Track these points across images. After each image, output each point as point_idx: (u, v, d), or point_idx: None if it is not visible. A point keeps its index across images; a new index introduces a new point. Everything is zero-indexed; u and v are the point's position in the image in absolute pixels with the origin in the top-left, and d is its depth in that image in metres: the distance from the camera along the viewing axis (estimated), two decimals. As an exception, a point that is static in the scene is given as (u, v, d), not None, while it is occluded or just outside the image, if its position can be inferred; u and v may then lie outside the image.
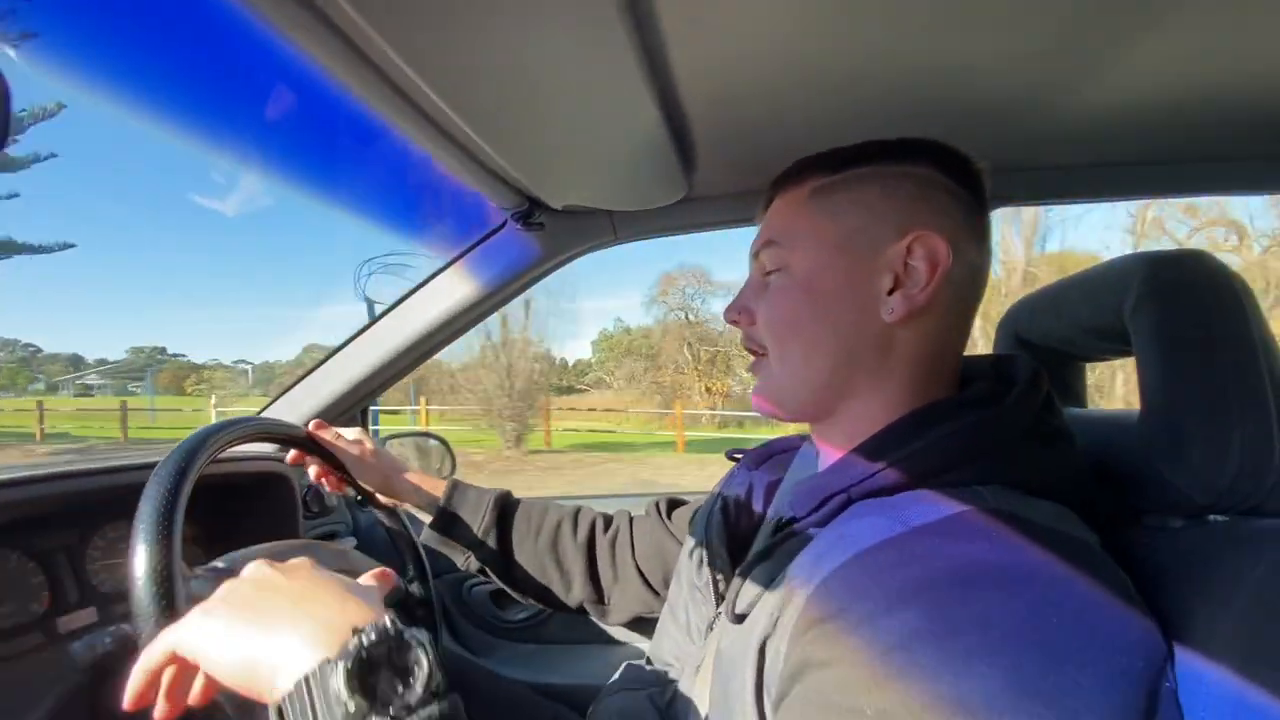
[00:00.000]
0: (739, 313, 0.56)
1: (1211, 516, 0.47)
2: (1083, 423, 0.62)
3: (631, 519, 0.84)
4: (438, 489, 0.82)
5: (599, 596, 0.82)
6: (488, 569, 0.81)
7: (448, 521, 0.80)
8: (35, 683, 0.67)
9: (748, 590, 0.49)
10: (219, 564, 0.65)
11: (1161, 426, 0.49)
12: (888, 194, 0.50)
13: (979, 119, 0.72)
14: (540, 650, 1.14)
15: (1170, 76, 0.63)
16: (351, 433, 0.83)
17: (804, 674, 0.38)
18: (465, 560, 0.82)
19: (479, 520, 0.80)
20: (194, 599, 0.52)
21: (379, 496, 0.84)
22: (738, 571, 0.50)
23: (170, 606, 0.51)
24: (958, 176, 0.51)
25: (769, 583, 0.47)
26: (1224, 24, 0.54)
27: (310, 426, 0.81)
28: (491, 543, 0.80)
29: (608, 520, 0.85)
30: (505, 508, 0.83)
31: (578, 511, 0.85)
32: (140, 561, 0.51)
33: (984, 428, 0.46)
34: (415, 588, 0.87)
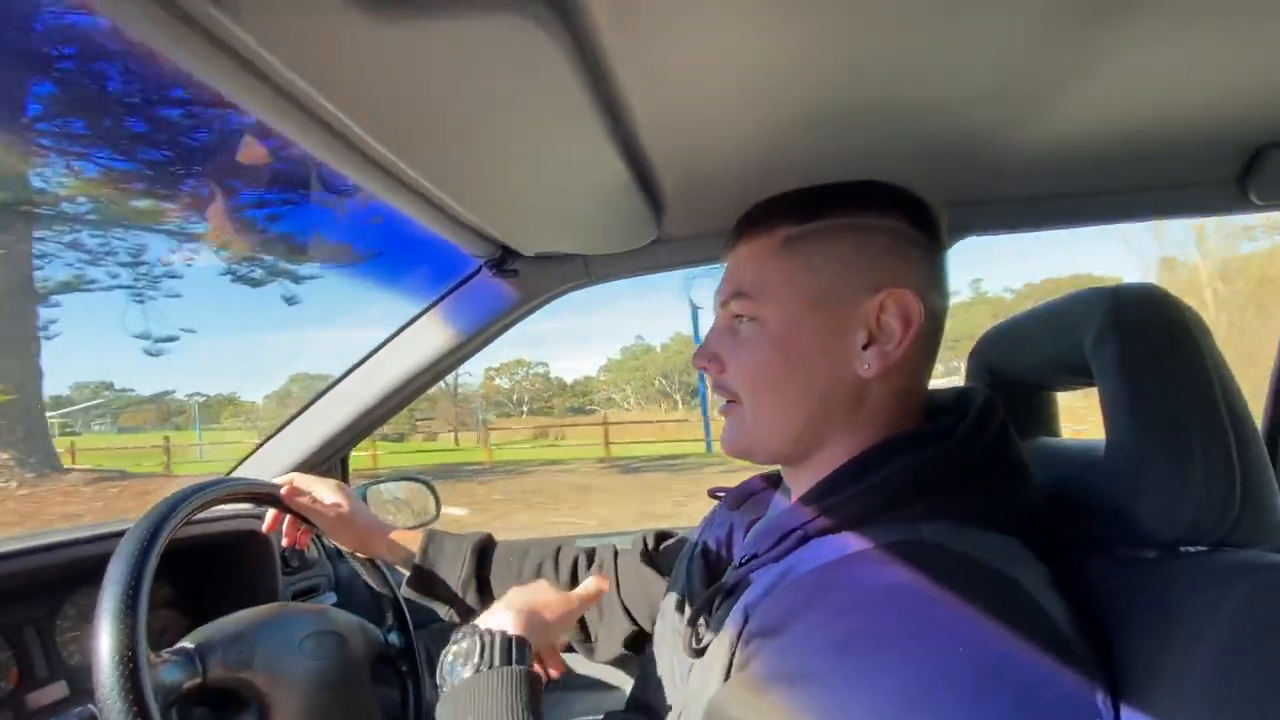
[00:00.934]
0: (709, 360, 0.56)
1: (1183, 549, 0.48)
2: (1054, 452, 0.62)
3: (616, 554, 0.83)
4: (414, 543, 0.81)
5: (585, 635, 0.80)
6: (469, 619, 0.80)
7: (425, 579, 0.79)
8: None
9: (710, 626, 0.50)
10: (187, 644, 0.63)
11: (1124, 460, 0.49)
12: (860, 248, 0.51)
13: (937, 155, 0.74)
14: None
15: (1122, 108, 0.65)
16: (328, 491, 0.82)
17: (744, 671, 0.43)
18: (448, 613, 0.81)
19: (458, 571, 0.79)
20: (158, 684, 0.51)
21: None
22: (697, 607, 0.51)
23: (136, 692, 0.50)
24: (923, 225, 0.52)
25: (727, 615, 0.48)
26: (1173, 56, 0.56)
27: (284, 489, 0.80)
28: (472, 593, 0.79)
29: (590, 556, 0.84)
30: (484, 554, 0.81)
31: (559, 550, 0.83)
32: (105, 648, 0.50)
33: (931, 465, 0.47)
34: (395, 636, 0.85)
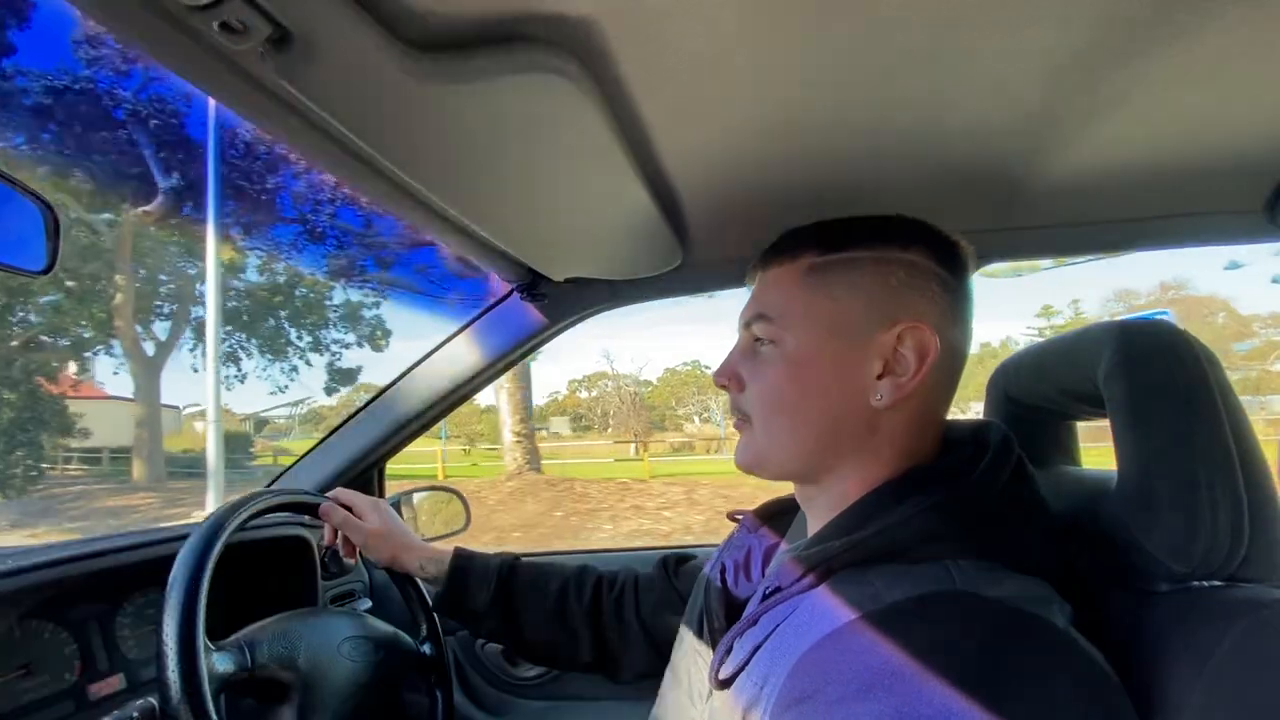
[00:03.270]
0: (729, 378, 0.58)
1: (1195, 583, 0.48)
2: (1072, 482, 0.62)
3: (637, 578, 0.85)
4: (444, 562, 0.83)
5: (607, 658, 0.82)
6: (495, 637, 0.83)
7: (455, 598, 0.82)
8: None
9: (734, 656, 0.50)
10: (239, 637, 0.68)
11: (1135, 494, 0.50)
12: (880, 280, 0.52)
13: (957, 185, 0.75)
14: (552, 707, 1.14)
15: (1149, 137, 0.65)
16: (366, 507, 0.86)
17: None
18: (477, 631, 0.84)
19: (484, 592, 0.81)
20: (211, 672, 0.56)
21: None
22: (724, 640, 0.51)
23: (194, 678, 0.55)
24: (946, 261, 0.53)
25: (754, 650, 0.48)
26: (1203, 86, 0.56)
27: (321, 508, 0.85)
28: (498, 613, 0.81)
29: (611, 580, 0.86)
30: (510, 576, 0.84)
31: (581, 571, 0.85)
32: (169, 639, 0.54)
33: (955, 504, 0.47)
34: (428, 647, 0.89)
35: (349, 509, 0.86)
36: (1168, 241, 0.87)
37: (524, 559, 0.88)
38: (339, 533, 0.86)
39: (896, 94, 0.56)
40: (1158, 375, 0.50)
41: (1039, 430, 0.70)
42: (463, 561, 0.84)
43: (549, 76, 0.45)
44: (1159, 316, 0.59)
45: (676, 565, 0.83)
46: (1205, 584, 0.48)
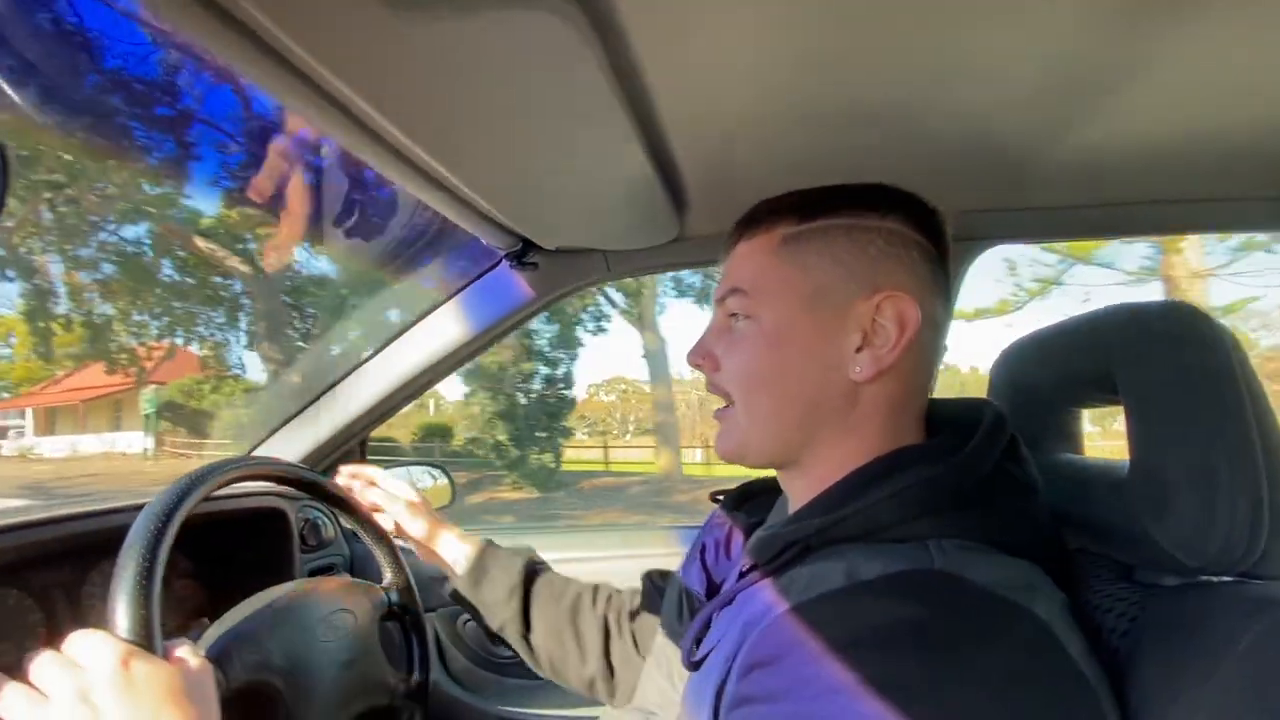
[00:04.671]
0: (703, 357, 0.56)
1: (1204, 577, 0.46)
2: (1074, 471, 0.61)
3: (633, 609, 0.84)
4: (470, 546, 0.83)
5: (609, 672, 0.80)
6: (506, 630, 0.81)
7: (477, 577, 0.81)
8: None
9: (710, 634, 0.49)
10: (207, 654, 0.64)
11: (1148, 485, 0.48)
12: (858, 248, 0.50)
13: (965, 161, 0.72)
14: (529, 686, 1.13)
15: (1155, 120, 0.63)
16: (400, 484, 0.87)
17: (738, 708, 0.40)
18: (490, 622, 0.82)
19: (508, 580, 0.81)
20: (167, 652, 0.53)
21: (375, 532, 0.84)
22: (698, 619, 0.50)
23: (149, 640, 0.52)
24: (925, 230, 0.52)
25: (727, 628, 0.47)
26: (1211, 68, 0.54)
27: (357, 483, 0.86)
28: (516, 604, 0.80)
29: (625, 594, 0.85)
30: (532, 571, 0.83)
31: (596, 588, 0.85)
32: (121, 627, 0.51)
33: (941, 480, 0.45)
34: (395, 596, 0.86)
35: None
36: (1183, 226, 0.84)
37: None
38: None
39: (902, 67, 0.53)
40: (1176, 359, 0.48)
41: (1044, 419, 0.68)
42: (489, 549, 0.84)
43: (543, 16, 0.42)
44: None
45: (662, 577, 0.82)
46: (1215, 579, 0.46)
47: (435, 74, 0.46)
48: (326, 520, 1.07)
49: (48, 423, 18.46)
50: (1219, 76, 0.56)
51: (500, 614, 0.80)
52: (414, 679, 0.84)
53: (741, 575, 0.49)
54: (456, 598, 0.84)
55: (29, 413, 18.05)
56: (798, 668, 0.38)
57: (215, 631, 0.65)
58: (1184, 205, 0.80)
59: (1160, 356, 0.48)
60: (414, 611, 0.86)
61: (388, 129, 0.53)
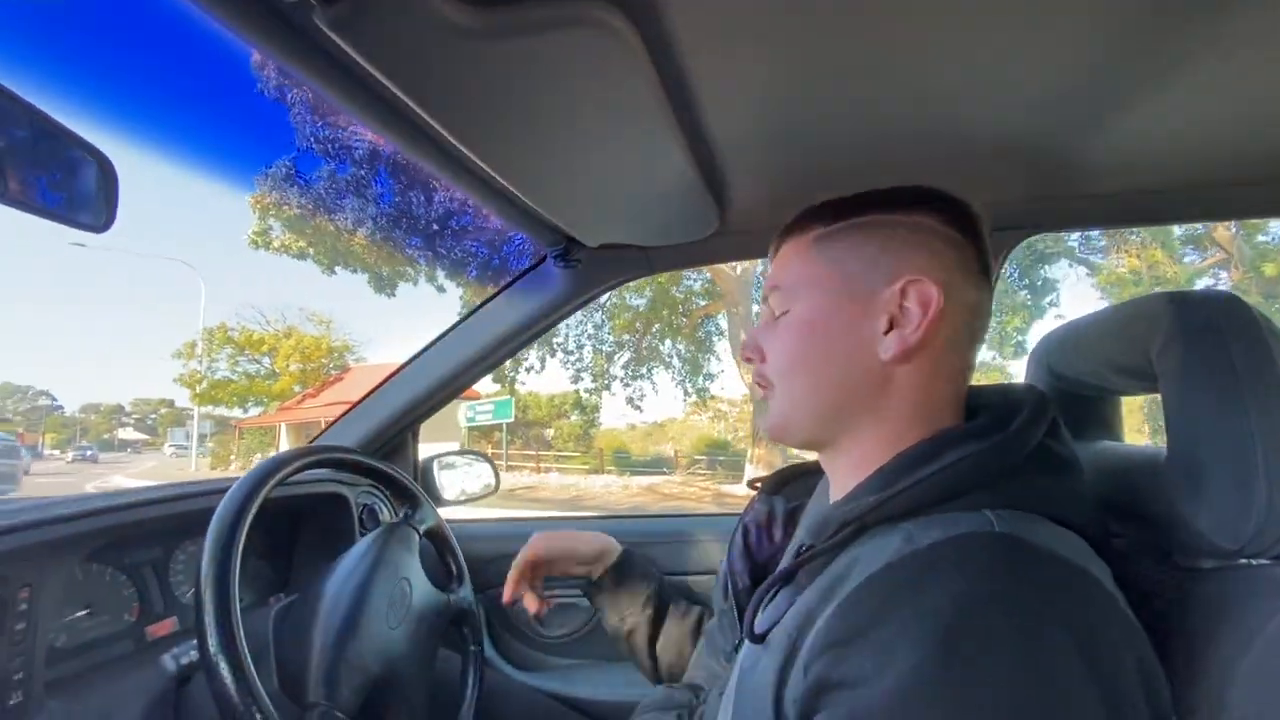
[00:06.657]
0: (752, 350, 0.60)
1: (1242, 560, 0.47)
2: (1113, 457, 0.61)
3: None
4: (614, 548, 0.90)
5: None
6: (635, 633, 0.86)
7: (621, 575, 0.88)
8: (127, 687, 0.74)
9: (769, 612, 0.51)
10: (322, 703, 0.68)
11: (1185, 470, 0.49)
12: (885, 243, 0.53)
13: (1006, 155, 0.72)
14: (577, 665, 1.18)
15: (1195, 110, 0.62)
16: (584, 542, 0.90)
17: (825, 694, 0.40)
18: (619, 620, 0.87)
19: (646, 585, 0.87)
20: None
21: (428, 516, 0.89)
22: (758, 593, 0.53)
23: (228, 626, 0.58)
24: (952, 221, 0.54)
25: (789, 605, 0.49)
26: (1252, 62, 0.54)
27: (530, 555, 0.88)
28: (650, 611, 0.86)
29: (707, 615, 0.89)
30: (663, 582, 0.89)
31: (706, 607, 0.88)
32: (207, 587, 0.57)
33: (989, 454, 0.47)
34: (462, 600, 0.92)
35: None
36: (1225, 213, 0.83)
37: None
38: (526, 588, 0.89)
39: (945, 65, 0.55)
40: (1215, 346, 0.48)
41: (1082, 405, 0.69)
42: (629, 553, 0.90)
43: (599, 32, 0.45)
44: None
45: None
46: (1253, 562, 0.47)
47: (498, 89, 0.50)
48: (384, 505, 1.13)
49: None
50: (1264, 66, 0.56)
51: (632, 618, 0.86)
52: (461, 592, 0.94)
53: (799, 554, 0.52)
54: (590, 590, 0.90)
55: (282, 428, 17.96)
56: (880, 645, 0.39)
57: (314, 667, 0.70)
58: (1221, 190, 0.79)
59: (1199, 344, 0.49)
60: (441, 532, 0.95)
61: (451, 142, 0.57)
